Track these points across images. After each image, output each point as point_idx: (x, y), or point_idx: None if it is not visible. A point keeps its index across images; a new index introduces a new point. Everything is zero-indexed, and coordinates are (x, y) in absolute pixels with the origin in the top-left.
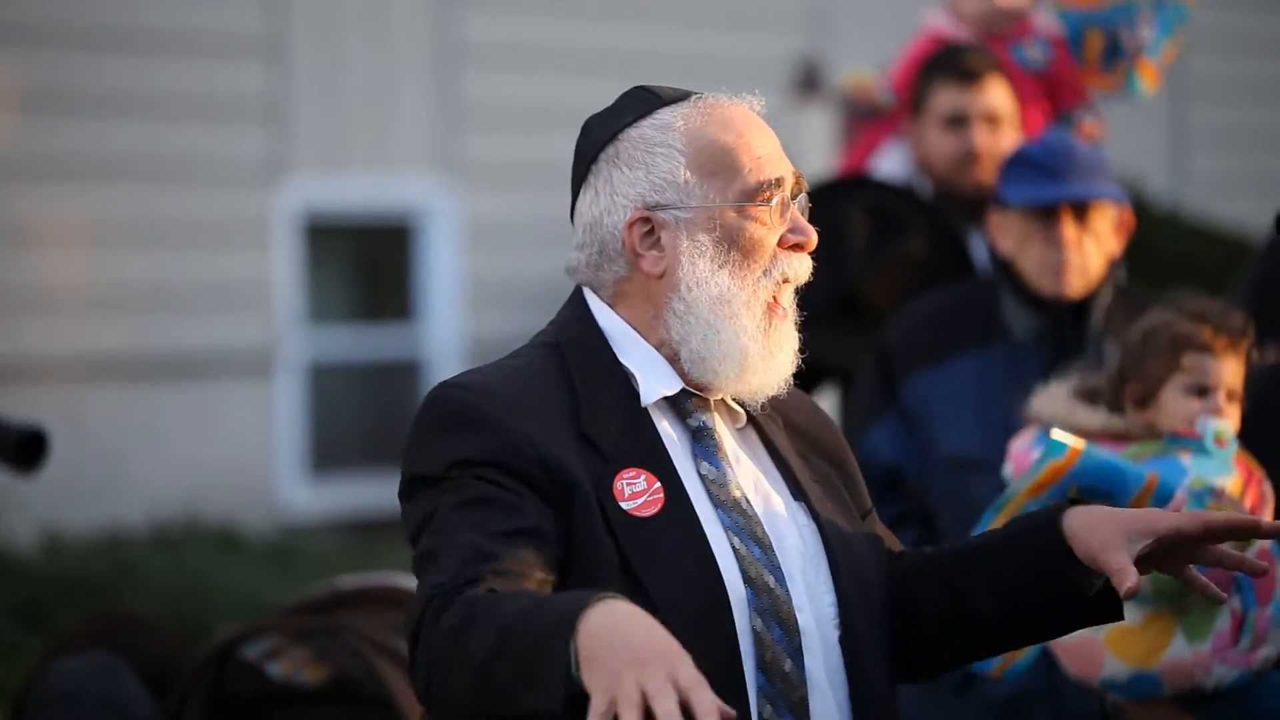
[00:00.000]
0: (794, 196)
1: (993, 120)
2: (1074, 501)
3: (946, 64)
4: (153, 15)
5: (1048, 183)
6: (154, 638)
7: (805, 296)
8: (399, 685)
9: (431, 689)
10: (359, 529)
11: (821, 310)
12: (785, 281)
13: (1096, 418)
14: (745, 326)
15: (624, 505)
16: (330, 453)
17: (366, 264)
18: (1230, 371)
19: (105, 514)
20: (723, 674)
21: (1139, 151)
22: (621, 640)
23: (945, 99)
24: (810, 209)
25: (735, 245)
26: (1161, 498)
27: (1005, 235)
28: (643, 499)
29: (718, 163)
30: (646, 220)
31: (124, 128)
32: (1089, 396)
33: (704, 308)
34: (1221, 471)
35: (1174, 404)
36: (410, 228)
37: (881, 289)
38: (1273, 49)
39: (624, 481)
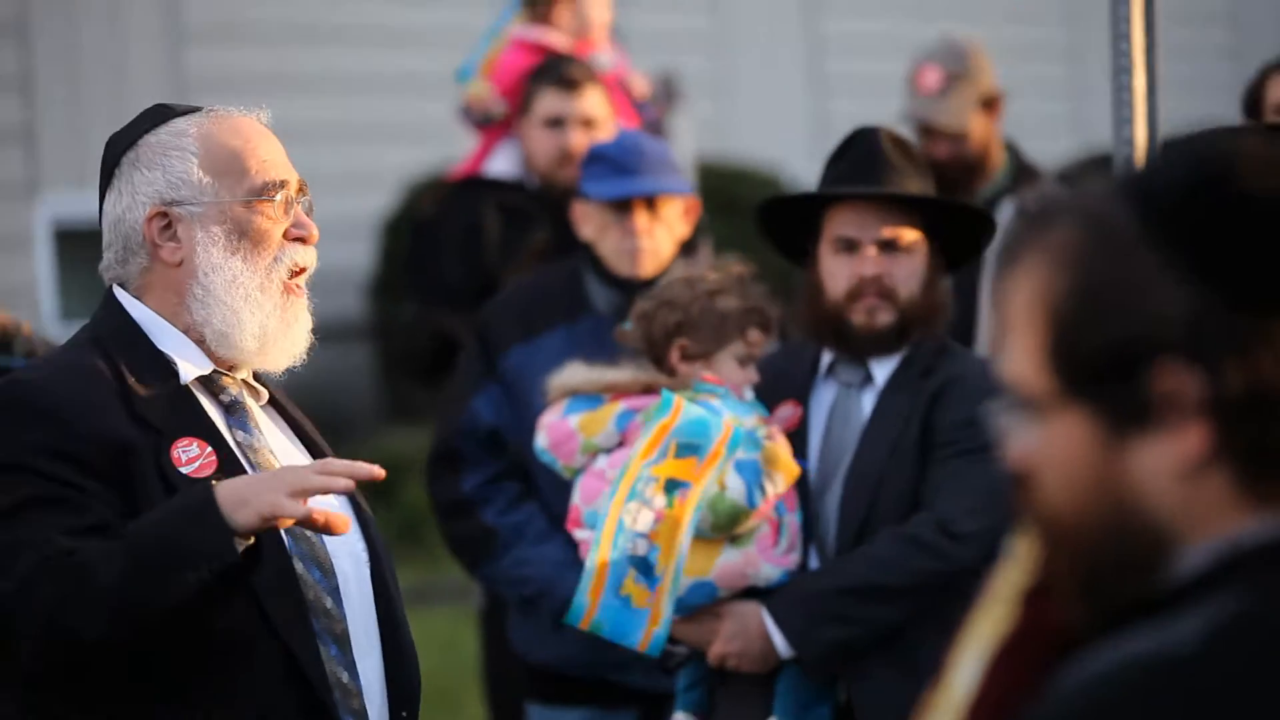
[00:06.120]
0: (298, 198)
1: (589, 124)
2: None
3: (550, 73)
4: None
5: (622, 179)
6: None
7: (448, 285)
8: None
9: (53, 638)
10: None
11: (462, 296)
12: (299, 271)
13: (625, 373)
14: (263, 305)
15: (183, 470)
16: None
17: None
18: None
19: None
20: (291, 607)
21: (782, 141)
22: (246, 484)
23: (547, 103)
24: (448, 208)
25: (245, 235)
26: (735, 440)
27: (587, 223)
28: (198, 463)
29: (227, 164)
30: (164, 215)
31: None
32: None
33: (221, 291)
34: (744, 411)
35: (728, 366)
36: None
37: (515, 276)
38: (901, 48)
39: (180, 449)
